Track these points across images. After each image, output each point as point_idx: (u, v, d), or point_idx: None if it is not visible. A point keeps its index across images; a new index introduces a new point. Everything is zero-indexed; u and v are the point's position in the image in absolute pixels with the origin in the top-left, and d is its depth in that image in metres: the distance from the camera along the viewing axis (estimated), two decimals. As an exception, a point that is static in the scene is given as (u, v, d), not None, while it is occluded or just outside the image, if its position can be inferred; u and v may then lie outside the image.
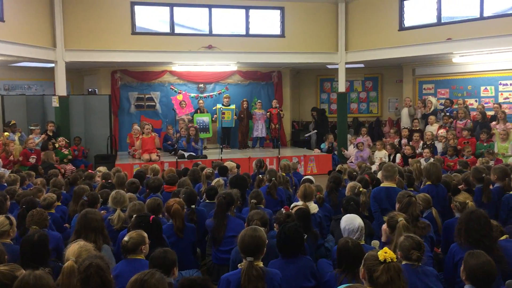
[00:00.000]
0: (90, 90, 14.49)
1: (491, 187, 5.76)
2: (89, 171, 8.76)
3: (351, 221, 4.10)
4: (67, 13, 11.80)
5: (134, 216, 4.29)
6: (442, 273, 3.97)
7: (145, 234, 3.70)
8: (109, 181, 6.70)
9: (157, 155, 11.34)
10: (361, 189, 5.71)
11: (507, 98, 12.52)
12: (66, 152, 11.14)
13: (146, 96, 14.25)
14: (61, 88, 11.85)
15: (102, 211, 5.04)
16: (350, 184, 5.98)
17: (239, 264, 3.42)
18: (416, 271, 3.30)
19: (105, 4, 12.19)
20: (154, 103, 14.32)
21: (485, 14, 11.22)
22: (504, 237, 3.97)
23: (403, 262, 3.33)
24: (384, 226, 4.04)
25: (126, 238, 3.61)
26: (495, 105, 11.71)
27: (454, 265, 3.76)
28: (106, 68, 13.69)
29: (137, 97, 14.19)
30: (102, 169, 7.97)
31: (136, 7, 12.58)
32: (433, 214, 4.95)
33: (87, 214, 4.10)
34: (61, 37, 11.68)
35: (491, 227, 3.81)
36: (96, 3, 12.08)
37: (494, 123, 11.03)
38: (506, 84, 12.56)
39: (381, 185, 5.49)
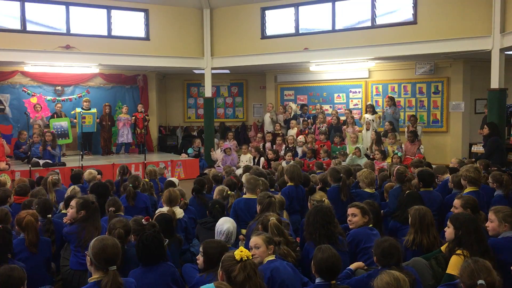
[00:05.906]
0: None
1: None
2: None
3: (221, 224, 4.20)
4: None
5: None
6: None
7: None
8: None
9: (6, 164, 10.24)
10: (229, 192, 5.82)
11: (356, 104, 13.82)
12: None
13: (-7, 98, 12.81)
14: None
15: None
16: (218, 187, 6.09)
17: (90, 278, 3.15)
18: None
19: None
20: (3, 107, 12.88)
21: (337, 27, 12.27)
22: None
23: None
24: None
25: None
26: (346, 110, 12.87)
27: (310, 261, 4.00)
28: None
29: (-18, 99, 12.69)
30: None
31: (-21, 0, 11.30)
32: (283, 215, 5.22)
33: None
34: None
35: (330, 221, 4.07)
36: None
37: (345, 127, 12.12)
38: (355, 92, 13.86)
39: (243, 196, 5.57)
